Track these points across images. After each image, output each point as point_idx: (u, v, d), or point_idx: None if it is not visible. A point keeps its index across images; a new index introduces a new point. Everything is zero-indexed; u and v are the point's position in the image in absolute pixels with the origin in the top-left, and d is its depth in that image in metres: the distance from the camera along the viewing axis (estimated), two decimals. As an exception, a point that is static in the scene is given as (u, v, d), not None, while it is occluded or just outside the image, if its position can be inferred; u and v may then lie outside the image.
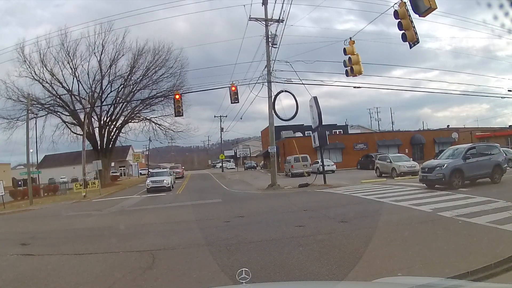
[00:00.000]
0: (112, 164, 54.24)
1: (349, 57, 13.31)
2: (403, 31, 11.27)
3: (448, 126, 56.32)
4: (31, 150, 39.20)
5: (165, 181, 26.32)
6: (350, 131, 53.81)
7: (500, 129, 53.00)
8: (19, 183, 42.77)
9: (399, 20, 11.28)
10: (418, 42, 11.27)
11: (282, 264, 5.58)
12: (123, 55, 38.12)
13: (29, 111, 33.32)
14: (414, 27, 11.26)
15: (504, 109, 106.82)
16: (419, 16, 10.90)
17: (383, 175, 25.28)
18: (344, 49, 13.50)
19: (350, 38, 13.49)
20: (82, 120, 33.87)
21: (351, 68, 13.32)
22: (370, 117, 66.16)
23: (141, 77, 39.10)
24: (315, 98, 21.99)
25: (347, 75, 13.74)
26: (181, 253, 6.90)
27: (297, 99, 22.89)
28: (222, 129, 59.62)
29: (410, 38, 11.19)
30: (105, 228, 11.34)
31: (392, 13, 11.49)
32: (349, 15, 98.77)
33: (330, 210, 11.03)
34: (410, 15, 11.14)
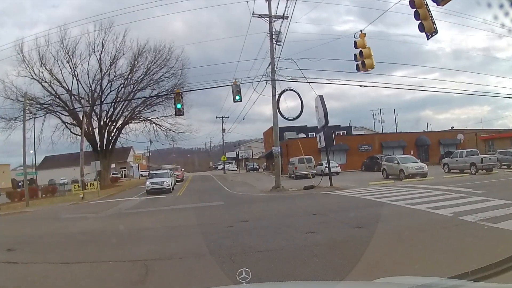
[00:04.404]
0: (113, 165, 53.57)
1: (360, 51, 12.49)
2: (420, 21, 10.46)
3: (452, 127, 55.42)
4: (31, 151, 38.74)
5: (165, 182, 25.51)
6: (353, 133, 52.98)
7: (505, 130, 51.97)
8: (19, 184, 42.18)
9: (415, 9, 10.47)
10: (437, 33, 10.47)
11: (296, 279, 4.75)
12: (123, 55, 37.44)
13: (28, 111, 32.81)
14: (431, 16, 10.45)
15: (506, 111, 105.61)
16: (437, 5, 10.08)
17: (390, 177, 24.53)
18: (355, 42, 12.68)
19: (361, 31, 12.71)
20: (84, 121, 33.20)
21: (363, 63, 12.51)
22: (373, 119, 64.90)
23: (141, 77, 38.41)
24: (321, 97, 21.19)
25: (358, 70, 12.92)
26: (178, 264, 6.07)
27: (302, 98, 22.07)
28: (224, 131, 58.97)
29: (428, 28, 10.38)
30: (98, 232, 10.53)
31: (408, 3, 10.68)
32: (349, 15, 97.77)
33: (341, 214, 10.20)
34: (427, 4, 10.33)
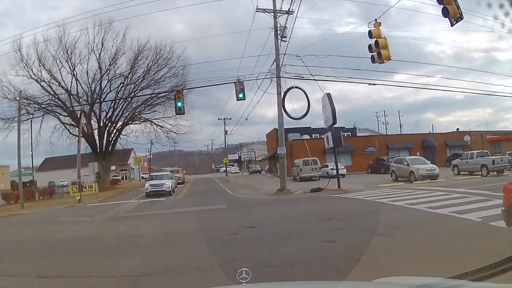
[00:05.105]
0: (113, 167, 52.69)
1: (376, 41, 11.49)
2: (444, 6, 9.49)
3: (457, 129, 54.29)
4: (31, 153, 37.91)
5: (165, 184, 24.51)
6: (358, 134, 51.94)
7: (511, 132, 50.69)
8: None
9: (439, -7, 9.50)
10: (462, 18, 9.47)
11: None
12: (123, 54, 36.59)
13: (25, 111, 31.96)
14: (456, 0, 9.46)
15: (507, 113, 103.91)
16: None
17: (399, 179, 23.56)
18: (370, 31, 11.66)
19: (376, 19, 11.72)
20: (82, 120, 32.30)
21: (378, 53, 11.50)
22: (378, 120, 63.88)
23: (142, 75, 37.51)
24: (329, 95, 20.15)
25: (373, 62, 11.91)
26: (173, 282, 5.03)
27: (308, 96, 21.02)
28: (226, 132, 57.91)
29: (453, 13, 9.40)
30: (88, 239, 9.55)
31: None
32: (351, 16, 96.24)
33: (358, 219, 9.16)
34: (452, -13, 9.36)
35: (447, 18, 9.61)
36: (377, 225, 8.10)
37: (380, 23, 11.57)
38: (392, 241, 6.51)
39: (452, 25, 9.62)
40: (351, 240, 6.69)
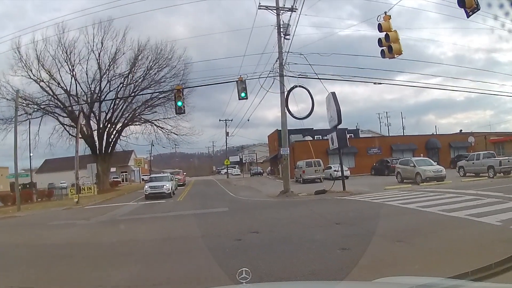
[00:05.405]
0: (114, 169, 52.19)
1: (386, 34, 10.88)
2: (461, -4, 8.89)
3: (461, 130, 53.66)
4: (31, 154, 37.42)
5: (165, 186, 23.94)
6: (360, 136, 51.34)
7: (516, 133, 49.92)
8: (19, 187, 40.74)
9: (455, -18, 8.91)
10: (478, 9, 8.87)
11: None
12: (123, 54, 36.03)
13: (23, 111, 31.46)
14: (473, -10, 8.87)
15: (508, 115, 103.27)
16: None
17: (405, 180, 22.97)
18: (379, 25, 11.05)
19: (385, 12, 11.13)
20: (80, 120, 31.75)
21: (389, 48, 10.89)
22: (380, 122, 63.31)
23: (142, 75, 36.94)
24: (333, 94, 19.56)
25: (383, 57, 11.29)
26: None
27: (312, 95, 20.43)
28: (227, 134, 57.37)
29: (469, 4, 8.81)
30: (81, 244, 8.92)
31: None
32: (351, 19, 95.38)
33: (370, 224, 8.48)
34: (469, -24, 8.77)
35: (463, 9, 9.03)
36: (393, 230, 7.47)
37: (390, 16, 10.98)
38: (414, 249, 5.87)
39: (468, 16, 9.03)
40: (367, 247, 6.01)
